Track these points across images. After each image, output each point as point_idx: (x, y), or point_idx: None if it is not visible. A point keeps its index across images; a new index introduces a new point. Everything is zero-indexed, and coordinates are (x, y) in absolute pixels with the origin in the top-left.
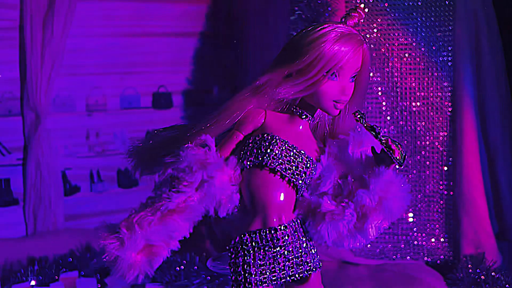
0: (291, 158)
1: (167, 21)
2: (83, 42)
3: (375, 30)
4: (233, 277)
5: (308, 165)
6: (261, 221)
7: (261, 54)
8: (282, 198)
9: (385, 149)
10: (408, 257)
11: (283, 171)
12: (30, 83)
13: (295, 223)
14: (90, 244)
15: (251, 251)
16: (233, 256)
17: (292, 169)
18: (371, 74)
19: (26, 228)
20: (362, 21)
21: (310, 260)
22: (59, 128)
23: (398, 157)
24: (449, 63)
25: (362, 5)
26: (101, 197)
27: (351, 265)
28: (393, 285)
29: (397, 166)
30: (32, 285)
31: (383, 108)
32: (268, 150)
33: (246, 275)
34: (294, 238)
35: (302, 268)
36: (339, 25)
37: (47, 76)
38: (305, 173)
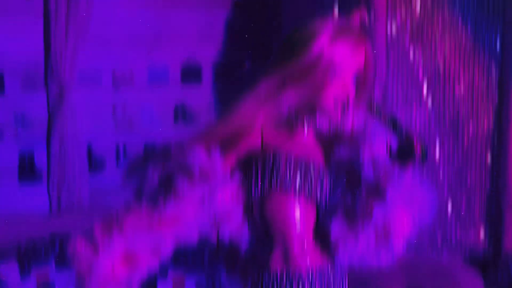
0: (301, 173)
1: None
2: (109, 12)
3: (417, 9)
4: None
5: (321, 174)
6: (282, 256)
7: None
8: (301, 221)
9: (404, 144)
10: (445, 252)
11: (296, 189)
12: (54, 55)
13: (329, 271)
14: None
15: None
16: None
17: (306, 183)
18: (412, 56)
19: (50, 205)
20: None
21: None
22: (84, 101)
23: (419, 153)
24: (498, 47)
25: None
26: None
27: None
28: (426, 282)
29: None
30: None
31: (424, 92)
32: (274, 171)
33: None
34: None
35: None
36: (339, 22)
37: (72, 47)
38: (321, 183)
